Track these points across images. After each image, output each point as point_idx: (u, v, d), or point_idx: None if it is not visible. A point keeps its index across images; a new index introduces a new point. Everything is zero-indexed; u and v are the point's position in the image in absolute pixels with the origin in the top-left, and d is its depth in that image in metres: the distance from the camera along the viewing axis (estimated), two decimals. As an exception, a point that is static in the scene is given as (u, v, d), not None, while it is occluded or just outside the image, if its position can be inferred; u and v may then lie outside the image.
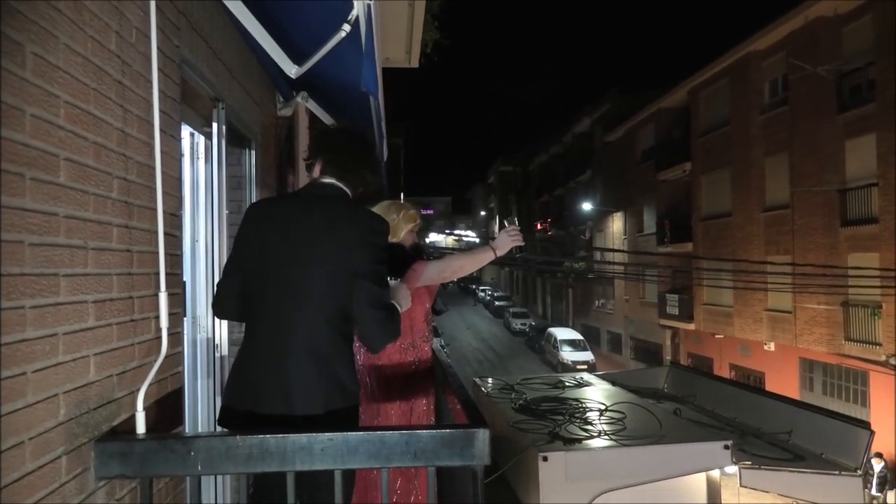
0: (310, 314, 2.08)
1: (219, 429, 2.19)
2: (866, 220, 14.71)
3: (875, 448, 10.27)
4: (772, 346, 18.12)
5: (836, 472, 4.14)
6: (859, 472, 4.17)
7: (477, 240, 51.81)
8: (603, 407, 4.42)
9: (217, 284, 2.33)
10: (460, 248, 36.67)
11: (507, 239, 2.95)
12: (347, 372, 2.14)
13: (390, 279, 2.60)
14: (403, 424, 2.96)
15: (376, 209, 3.14)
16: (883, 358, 14.08)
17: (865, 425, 4.52)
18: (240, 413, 2.09)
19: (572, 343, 28.99)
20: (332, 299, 2.09)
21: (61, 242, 1.57)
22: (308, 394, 2.04)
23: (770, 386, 16.46)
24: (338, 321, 2.11)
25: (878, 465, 12.02)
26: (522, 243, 2.99)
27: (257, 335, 2.14)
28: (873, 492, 11.78)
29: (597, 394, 5.02)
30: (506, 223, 3.04)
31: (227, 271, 2.27)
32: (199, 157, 3.17)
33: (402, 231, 3.16)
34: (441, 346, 3.41)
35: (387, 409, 3.03)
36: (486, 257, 2.97)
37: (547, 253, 38.86)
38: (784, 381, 16.86)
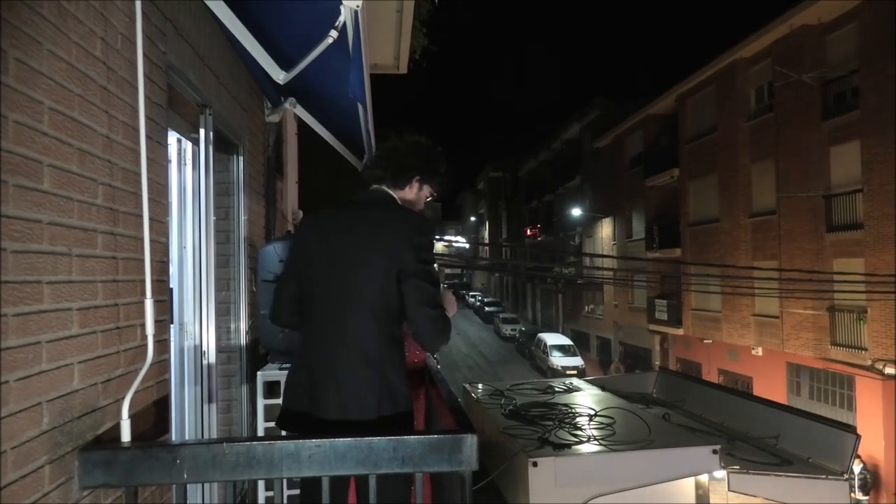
0: (361, 318, 2.11)
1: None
2: (851, 225, 14.87)
3: (860, 452, 10.33)
4: (759, 351, 18.23)
5: (823, 477, 4.17)
6: (846, 476, 4.20)
7: (467, 245, 51.79)
8: (592, 412, 4.43)
9: (274, 291, 2.38)
10: (450, 253, 36.64)
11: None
12: (399, 376, 2.16)
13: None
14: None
15: None
16: (868, 362, 14.21)
17: (852, 429, 4.55)
18: (297, 415, 2.14)
19: (562, 348, 29.04)
20: (381, 302, 2.11)
21: (45, 249, 1.56)
22: (361, 399, 2.07)
23: (758, 390, 16.54)
24: (388, 324, 2.13)
25: (857, 468, 12.16)
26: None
27: (311, 340, 2.19)
28: (857, 494, 11.93)
29: (586, 399, 5.03)
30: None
31: (282, 279, 2.35)
32: (187, 164, 3.16)
33: None
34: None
35: None
36: None
37: (537, 259, 38.97)
38: (772, 386, 16.96)
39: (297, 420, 2.16)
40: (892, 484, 13.54)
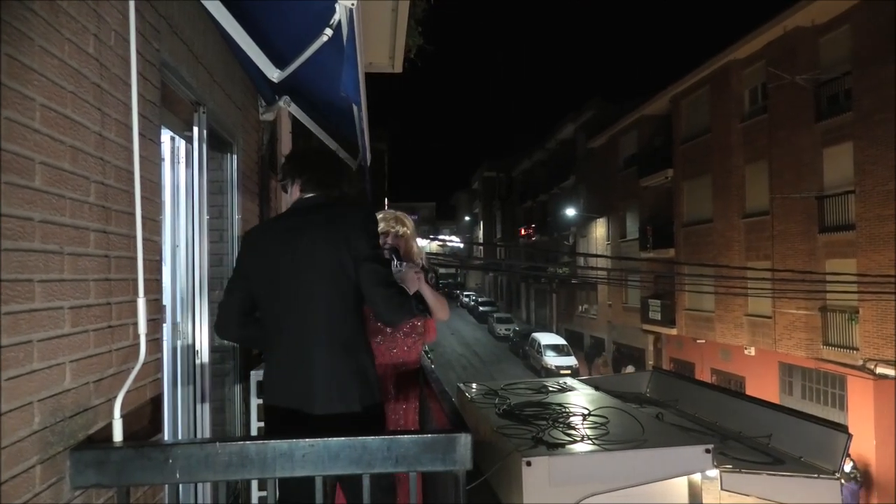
0: (329, 310, 2.23)
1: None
2: (844, 226, 14.94)
3: (850, 451, 10.40)
4: (752, 351, 18.31)
5: (815, 476, 4.18)
6: (837, 475, 4.22)
7: (461, 245, 51.82)
8: (586, 411, 4.43)
9: (219, 305, 2.42)
10: (444, 252, 36.66)
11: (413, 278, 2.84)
12: (370, 361, 2.31)
13: (399, 265, 2.67)
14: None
15: None
16: (860, 362, 14.29)
17: (843, 429, 4.56)
18: (284, 411, 2.22)
19: (556, 348, 29.07)
20: (347, 291, 2.24)
21: (36, 248, 1.54)
22: (343, 389, 2.19)
23: (750, 390, 16.60)
24: (353, 311, 2.27)
25: (847, 466, 12.26)
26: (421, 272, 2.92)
27: (282, 343, 2.26)
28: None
29: (580, 398, 5.03)
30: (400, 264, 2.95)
31: (230, 292, 2.40)
32: (180, 162, 3.14)
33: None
34: (424, 351, 3.43)
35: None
36: None
37: (531, 258, 39.01)
38: (764, 386, 17.04)
39: (284, 416, 2.21)
40: (884, 482, 13.62)
